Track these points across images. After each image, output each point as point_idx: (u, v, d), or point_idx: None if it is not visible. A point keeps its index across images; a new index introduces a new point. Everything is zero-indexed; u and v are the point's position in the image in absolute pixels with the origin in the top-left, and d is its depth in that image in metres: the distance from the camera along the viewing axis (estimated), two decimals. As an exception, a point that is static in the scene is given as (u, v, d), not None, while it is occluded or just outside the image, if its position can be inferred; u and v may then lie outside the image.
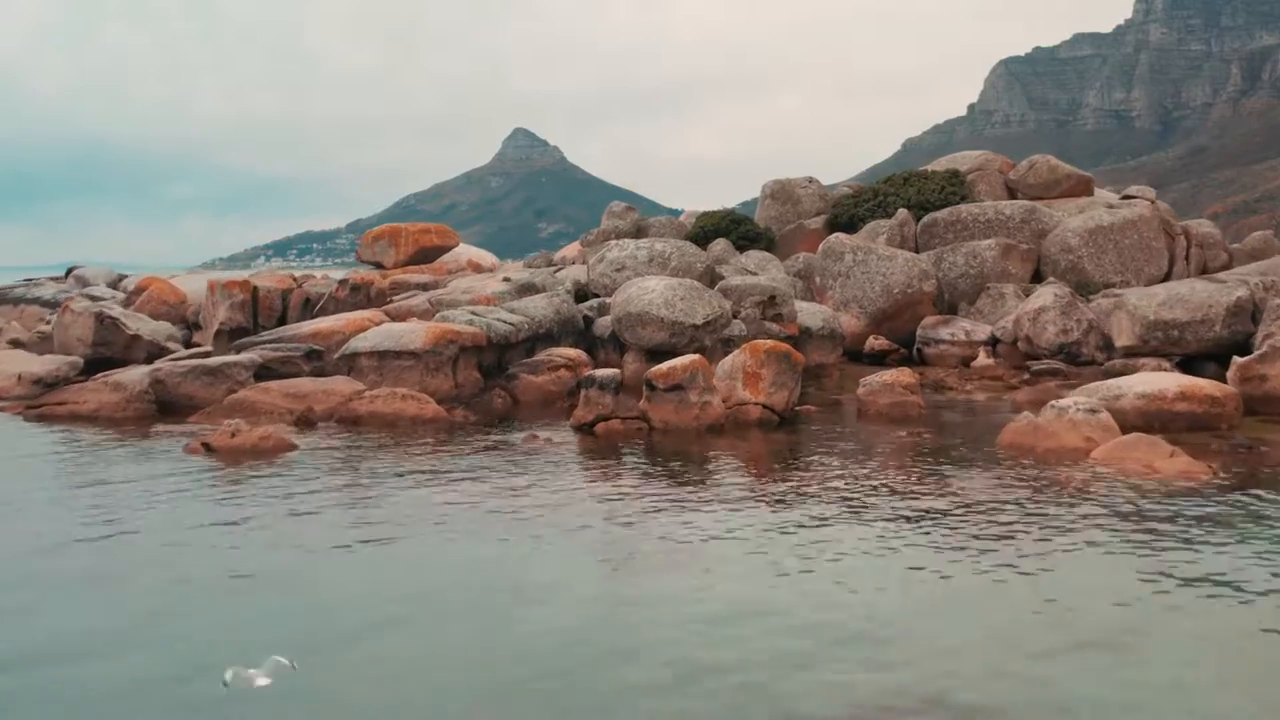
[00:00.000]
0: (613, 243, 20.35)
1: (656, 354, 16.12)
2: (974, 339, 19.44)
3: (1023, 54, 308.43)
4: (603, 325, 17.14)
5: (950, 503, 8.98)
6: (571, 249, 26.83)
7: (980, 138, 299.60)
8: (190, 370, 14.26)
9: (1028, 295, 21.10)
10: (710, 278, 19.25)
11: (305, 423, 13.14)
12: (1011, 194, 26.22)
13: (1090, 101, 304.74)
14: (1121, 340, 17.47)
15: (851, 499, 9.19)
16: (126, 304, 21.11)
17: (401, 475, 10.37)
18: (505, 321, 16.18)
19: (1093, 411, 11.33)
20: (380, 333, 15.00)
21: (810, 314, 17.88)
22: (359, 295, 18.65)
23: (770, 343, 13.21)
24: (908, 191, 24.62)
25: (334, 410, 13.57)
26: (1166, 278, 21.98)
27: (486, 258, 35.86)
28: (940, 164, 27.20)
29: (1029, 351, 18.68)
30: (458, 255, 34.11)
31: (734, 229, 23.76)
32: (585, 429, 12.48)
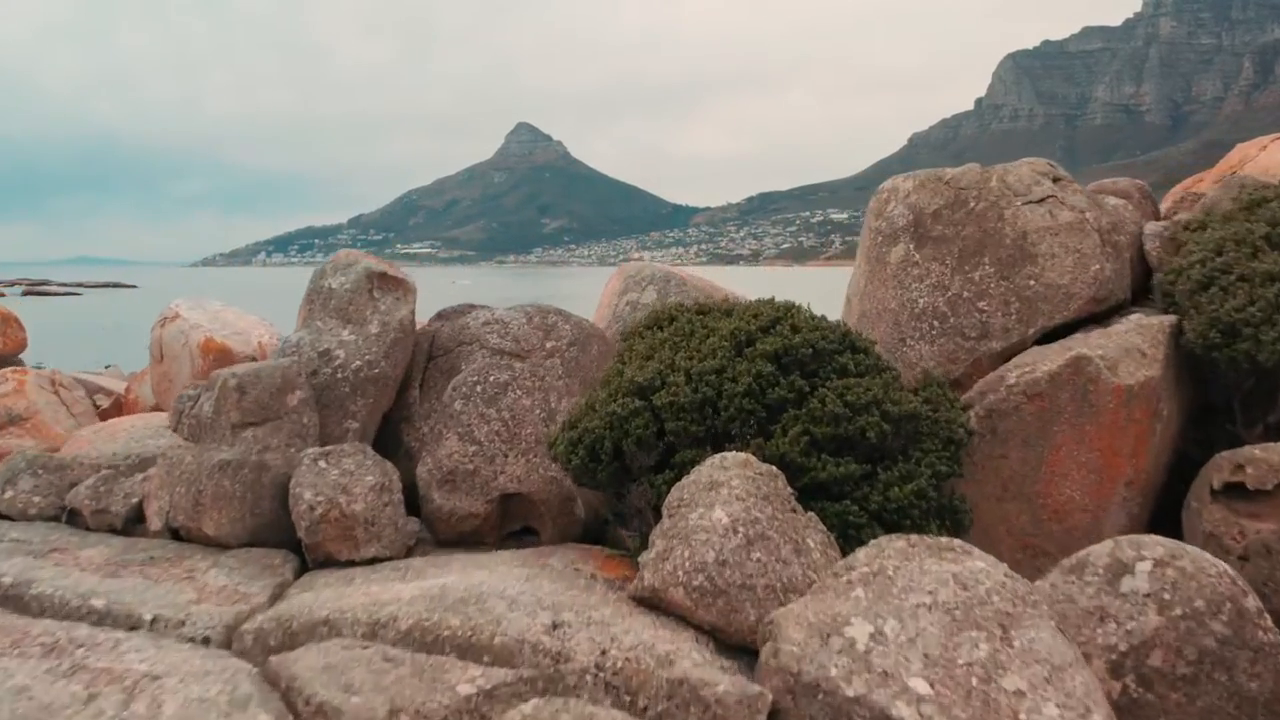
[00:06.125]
0: None
1: None
2: None
3: (1031, 47, 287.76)
4: None
5: None
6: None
7: (988, 132, 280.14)
8: None
9: None
10: None
11: None
12: None
13: (1099, 95, 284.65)
14: None
15: None
16: None
17: None
18: None
19: None
20: None
21: None
22: None
23: None
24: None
25: None
26: None
27: (252, 332, 15.97)
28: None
29: None
30: (183, 333, 14.54)
31: (787, 405, 4.24)
32: None
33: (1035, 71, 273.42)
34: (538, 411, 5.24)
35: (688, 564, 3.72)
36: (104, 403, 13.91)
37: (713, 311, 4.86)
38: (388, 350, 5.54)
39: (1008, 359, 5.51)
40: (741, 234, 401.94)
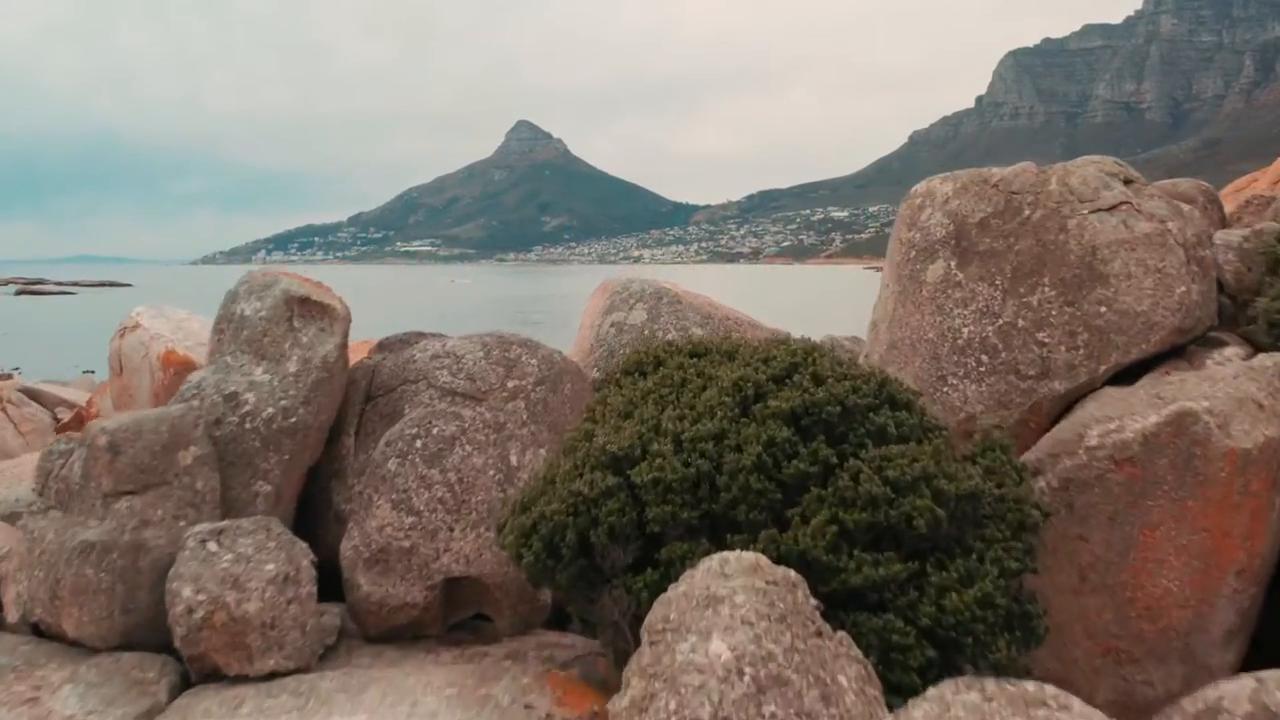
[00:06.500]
0: None
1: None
2: None
3: (1031, 45, 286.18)
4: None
5: None
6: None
7: (988, 130, 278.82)
8: None
9: None
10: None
11: None
12: None
13: (1100, 93, 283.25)
14: None
15: None
16: None
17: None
18: None
19: None
20: None
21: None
22: None
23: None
24: None
25: None
26: None
27: None
28: None
29: None
30: (143, 343, 13.61)
31: (808, 482, 3.59)
32: None
33: (1036, 69, 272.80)
34: (492, 472, 4.19)
35: None
36: (65, 416, 12.81)
37: (710, 353, 3.79)
38: (309, 394, 4.48)
39: (1073, 402, 4.46)
40: (742, 232, 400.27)
